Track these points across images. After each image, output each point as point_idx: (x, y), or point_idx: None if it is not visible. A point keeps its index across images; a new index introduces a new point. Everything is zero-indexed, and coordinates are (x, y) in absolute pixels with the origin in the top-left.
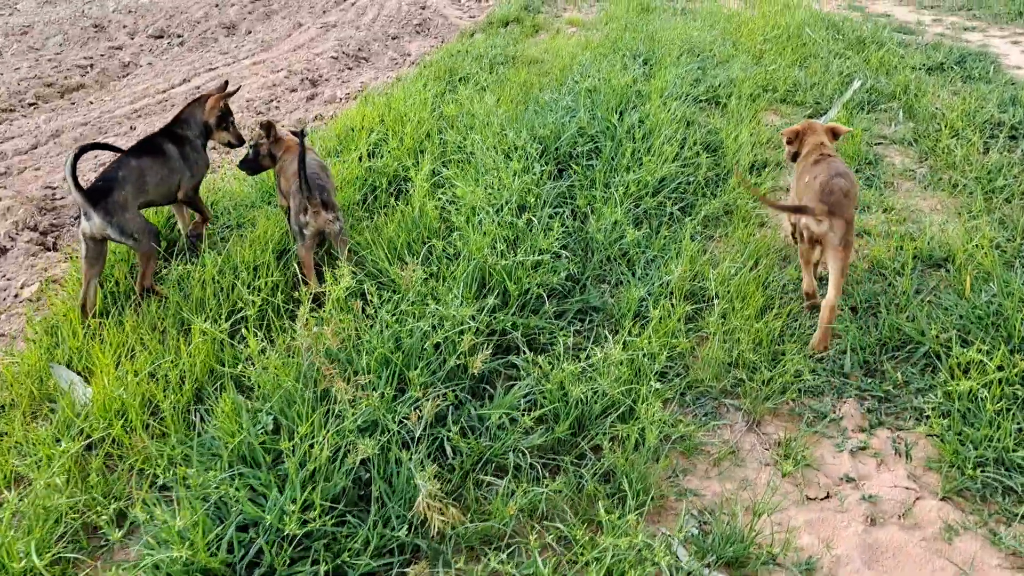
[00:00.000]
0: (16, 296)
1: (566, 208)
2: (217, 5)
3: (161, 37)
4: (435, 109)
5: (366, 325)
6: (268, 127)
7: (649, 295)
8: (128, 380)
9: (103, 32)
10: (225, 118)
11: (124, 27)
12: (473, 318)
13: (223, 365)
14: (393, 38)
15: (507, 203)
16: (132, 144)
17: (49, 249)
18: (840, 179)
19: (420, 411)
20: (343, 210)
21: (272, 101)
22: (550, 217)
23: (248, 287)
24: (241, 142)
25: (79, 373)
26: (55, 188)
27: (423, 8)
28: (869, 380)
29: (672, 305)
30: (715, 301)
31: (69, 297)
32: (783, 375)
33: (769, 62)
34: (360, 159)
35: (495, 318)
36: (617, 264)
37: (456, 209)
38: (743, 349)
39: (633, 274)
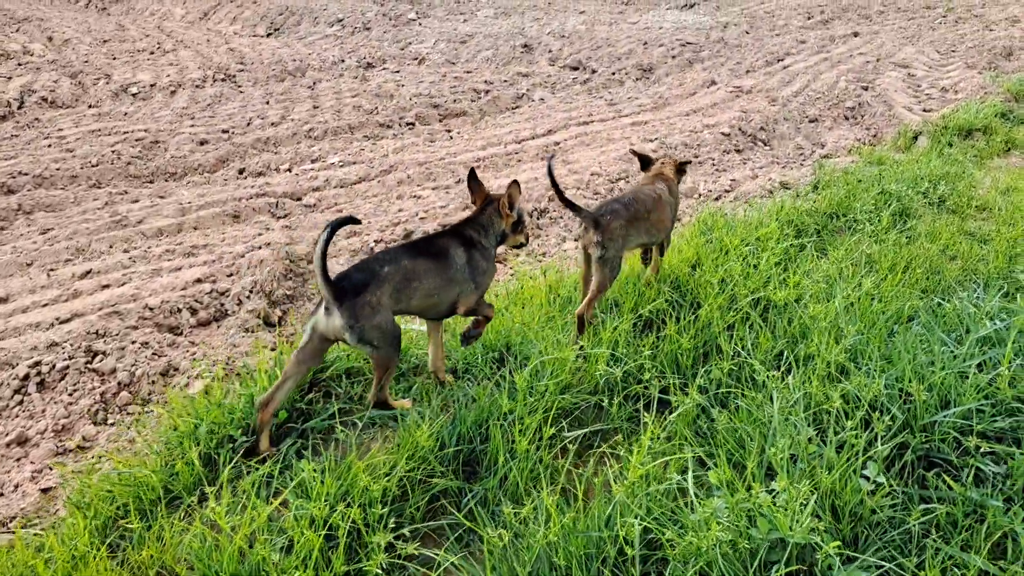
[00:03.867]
0: (185, 386)
1: None
2: (645, 43)
3: (576, 69)
4: (769, 280)
5: None
6: (681, 167)
7: None
8: None
9: (528, 54)
10: (521, 220)
11: (549, 51)
12: None
13: None
14: (811, 120)
15: (777, 560)
16: (415, 239)
17: (270, 325)
18: None
19: None
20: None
21: (620, 180)
22: None
23: None
24: (527, 240)
25: None
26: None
27: (866, 88)
28: None
29: None
30: None
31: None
32: None
33: None
34: (632, 327)
35: None
36: None
37: (680, 528)
38: None
39: None
